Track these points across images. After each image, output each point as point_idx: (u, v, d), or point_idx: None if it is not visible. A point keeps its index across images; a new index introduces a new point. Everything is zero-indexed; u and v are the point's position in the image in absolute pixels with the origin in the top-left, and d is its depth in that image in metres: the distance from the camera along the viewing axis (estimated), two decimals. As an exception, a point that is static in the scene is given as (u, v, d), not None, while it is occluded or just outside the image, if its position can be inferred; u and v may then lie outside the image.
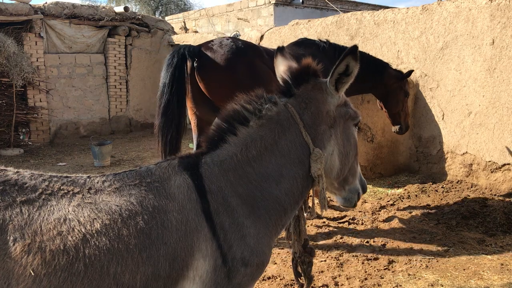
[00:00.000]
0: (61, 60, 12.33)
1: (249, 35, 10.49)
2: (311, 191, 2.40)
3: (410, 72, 6.47)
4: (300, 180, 2.16)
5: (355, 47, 2.11)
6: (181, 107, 4.96)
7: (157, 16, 28.34)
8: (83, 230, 1.71)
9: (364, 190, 2.46)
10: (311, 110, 2.17)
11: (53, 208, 1.75)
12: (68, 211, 1.75)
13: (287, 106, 2.18)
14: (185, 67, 5.07)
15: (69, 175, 1.95)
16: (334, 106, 2.23)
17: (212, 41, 5.43)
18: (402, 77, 6.43)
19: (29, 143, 11.63)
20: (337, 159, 2.23)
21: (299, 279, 2.46)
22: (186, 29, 15.61)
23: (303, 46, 5.90)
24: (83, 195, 1.83)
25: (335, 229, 5.54)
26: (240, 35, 10.95)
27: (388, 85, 6.38)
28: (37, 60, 11.71)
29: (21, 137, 11.55)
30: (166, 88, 4.93)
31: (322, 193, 2.20)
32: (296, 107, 2.18)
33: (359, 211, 6.13)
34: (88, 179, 1.92)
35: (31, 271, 1.62)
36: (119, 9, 12.81)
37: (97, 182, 1.90)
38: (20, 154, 10.67)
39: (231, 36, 11.09)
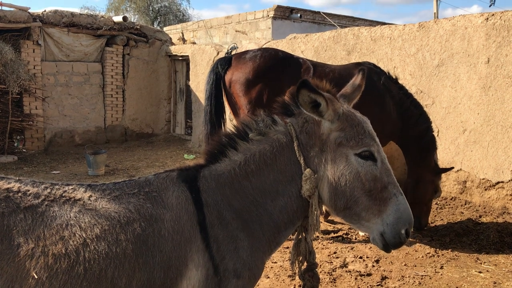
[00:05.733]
0: (58, 68, 12.33)
1: (247, 47, 10.54)
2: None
3: (451, 168, 6.01)
4: (295, 199, 2.14)
5: (301, 83, 2.02)
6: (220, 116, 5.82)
7: (155, 26, 28.46)
8: (83, 235, 1.79)
9: (397, 239, 2.08)
10: (307, 130, 2.16)
11: (56, 214, 1.82)
12: (70, 217, 1.83)
13: (287, 124, 2.19)
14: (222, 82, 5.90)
15: (69, 182, 2.02)
16: (328, 129, 2.12)
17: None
18: (438, 172, 5.87)
19: (24, 150, 11.58)
20: (326, 187, 2.12)
21: None
22: (184, 40, 15.67)
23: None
24: (84, 202, 1.90)
25: (329, 244, 5.52)
26: (237, 47, 11.01)
27: (421, 175, 5.79)
28: (34, 68, 11.70)
29: (16, 144, 11.50)
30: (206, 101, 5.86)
31: (313, 215, 2.15)
32: (295, 125, 2.18)
33: (353, 226, 6.11)
34: (88, 187, 1.99)
35: (34, 274, 1.68)
36: (118, 18, 12.85)
37: (97, 190, 1.98)
38: (14, 161, 10.61)
39: (229, 48, 11.15)
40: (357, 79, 2.42)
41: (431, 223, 6.19)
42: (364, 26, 9.05)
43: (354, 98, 2.39)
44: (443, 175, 7.08)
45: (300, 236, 2.29)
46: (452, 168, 6.07)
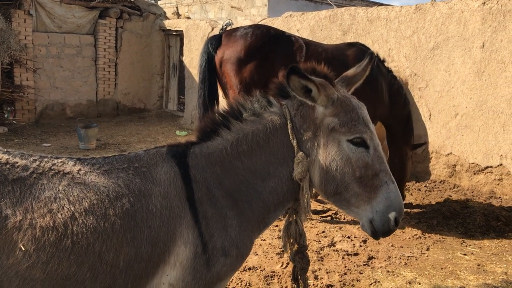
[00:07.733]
0: (50, 39, 12.13)
1: (242, 24, 10.42)
2: None
3: (424, 143, 6.66)
4: (285, 182, 2.14)
5: (290, 69, 2.00)
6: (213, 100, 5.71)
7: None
8: (72, 208, 1.79)
9: (386, 227, 2.08)
10: (301, 113, 2.14)
11: (44, 187, 1.82)
12: (59, 190, 1.82)
13: (282, 106, 2.17)
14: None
15: (59, 155, 2.01)
16: (322, 114, 2.11)
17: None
18: (414, 147, 6.38)
19: (14, 122, 11.47)
20: (317, 171, 2.12)
21: (299, 282, 2.38)
22: (178, 15, 15.44)
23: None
24: (73, 175, 1.89)
25: (318, 223, 5.58)
26: (232, 23, 10.89)
27: (406, 153, 6.15)
28: (25, 38, 11.49)
29: (6, 115, 11.38)
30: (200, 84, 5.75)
31: (304, 199, 2.15)
32: (290, 108, 2.16)
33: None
34: (78, 161, 1.98)
35: (22, 246, 1.69)
36: (112, -10, 12.62)
37: (87, 164, 1.97)
38: (4, 132, 10.53)
39: (224, 24, 11.01)
40: (362, 63, 2.38)
41: (419, 205, 6.27)
42: (360, 6, 8.97)
43: (355, 82, 2.35)
44: (433, 157, 7.26)
45: (291, 219, 2.29)
46: (425, 143, 6.81)
